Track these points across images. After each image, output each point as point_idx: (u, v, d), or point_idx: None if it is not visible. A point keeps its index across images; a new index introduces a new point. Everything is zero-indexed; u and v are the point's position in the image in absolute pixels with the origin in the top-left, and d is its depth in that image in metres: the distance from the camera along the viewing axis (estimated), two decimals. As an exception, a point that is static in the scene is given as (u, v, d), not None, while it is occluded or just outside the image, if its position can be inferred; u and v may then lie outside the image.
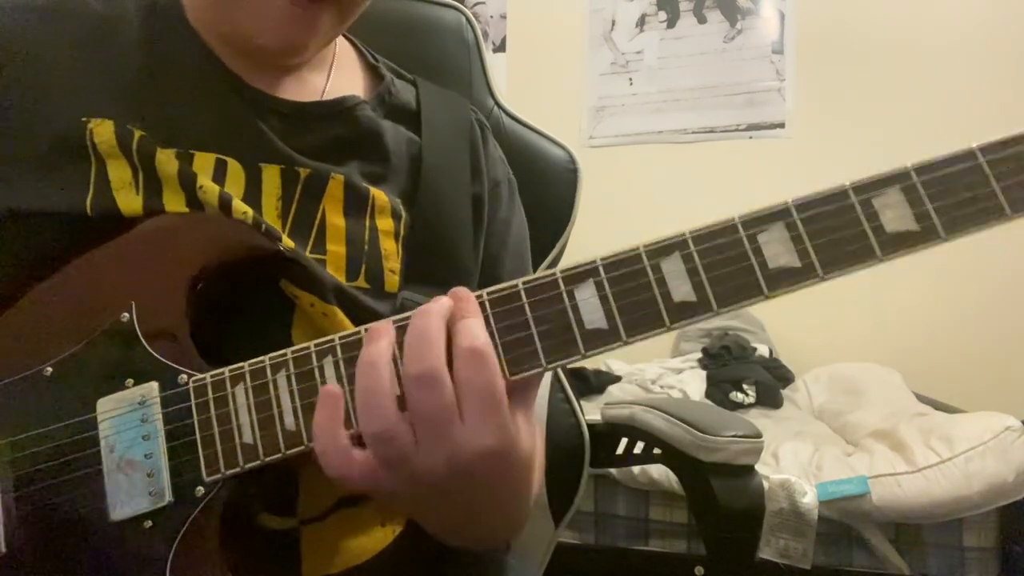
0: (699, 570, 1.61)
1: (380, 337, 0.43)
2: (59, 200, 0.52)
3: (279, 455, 0.46)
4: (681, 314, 0.42)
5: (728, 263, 0.42)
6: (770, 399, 2.14)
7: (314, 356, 0.46)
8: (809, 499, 1.50)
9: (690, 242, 0.43)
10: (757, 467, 0.83)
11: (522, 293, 0.44)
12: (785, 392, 2.22)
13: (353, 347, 0.46)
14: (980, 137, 0.41)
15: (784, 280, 0.41)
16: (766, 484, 1.49)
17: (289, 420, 0.46)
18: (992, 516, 1.54)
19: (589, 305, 0.43)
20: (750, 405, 2.11)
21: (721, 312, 0.42)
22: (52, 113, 0.54)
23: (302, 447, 0.45)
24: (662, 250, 0.43)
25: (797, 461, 1.65)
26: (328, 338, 0.46)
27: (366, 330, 0.45)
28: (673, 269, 0.42)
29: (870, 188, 0.41)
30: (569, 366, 0.45)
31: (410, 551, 0.59)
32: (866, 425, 1.86)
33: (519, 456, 0.45)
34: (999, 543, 1.55)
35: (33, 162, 0.53)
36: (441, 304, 0.43)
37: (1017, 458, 1.50)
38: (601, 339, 0.43)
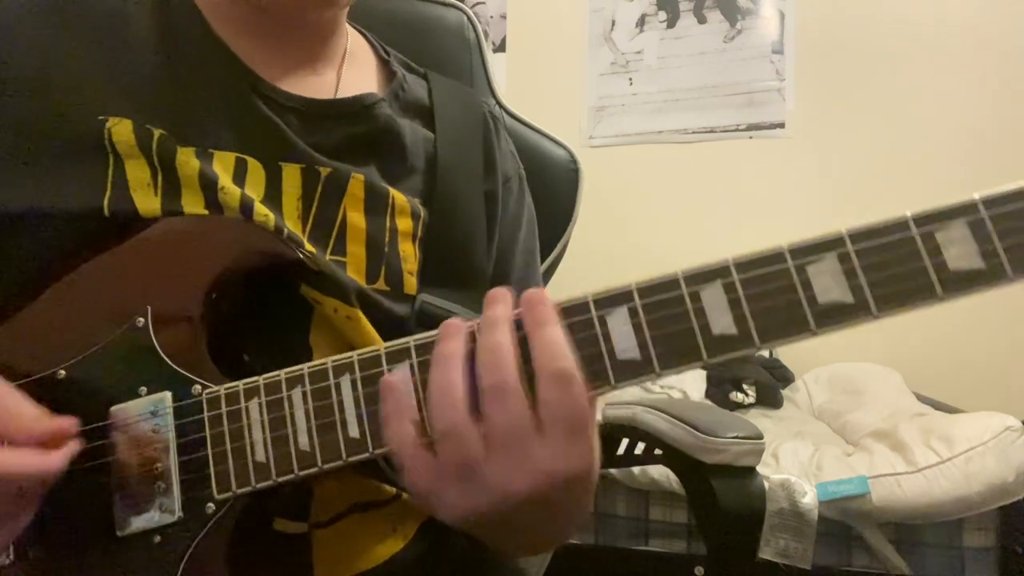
0: (699, 570, 1.60)
1: (454, 334, 0.42)
2: (76, 199, 0.51)
3: (292, 476, 0.44)
4: (720, 348, 0.39)
5: (774, 295, 0.39)
6: (770, 399, 2.13)
7: (331, 373, 0.44)
8: (809, 499, 1.50)
9: (733, 270, 0.39)
10: (756, 467, 0.83)
11: (591, 304, 0.41)
12: (785, 392, 2.22)
13: (371, 365, 0.44)
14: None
15: (834, 317, 0.38)
16: (766, 484, 1.49)
17: (303, 440, 0.44)
18: (992, 516, 1.54)
19: (621, 333, 0.40)
20: (750, 405, 2.10)
21: (763, 347, 0.39)
22: (68, 111, 0.53)
23: (315, 468, 0.44)
24: (702, 277, 0.40)
25: (797, 461, 1.65)
26: (346, 355, 0.45)
27: (386, 349, 0.44)
28: (713, 299, 0.39)
29: (933, 220, 0.38)
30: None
31: (421, 558, 0.58)
32: (866, 425, 1.85)
33: (595, 476, 0.43)
34: (999, 543, 1.55)
35: (50, 160, 0.52)
36: (507, 310, 0.41)
37: (1017, 458, 1.50)
38: (633, 370, 0.40)
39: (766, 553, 1.49)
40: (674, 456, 0.86)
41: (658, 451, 0.89)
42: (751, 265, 0.39)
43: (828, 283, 0.38)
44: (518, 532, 0.45)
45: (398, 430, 0.41)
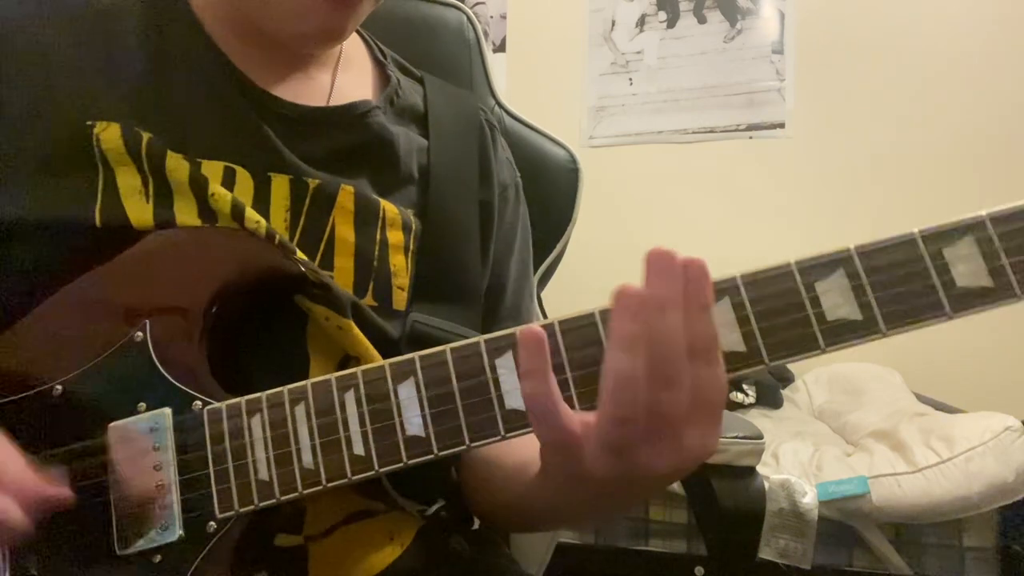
0: (699, 570, 1.60)
1: (633, 322, 0.38)
2: (66, 209, 0.50)
3: (296, 494, 0.44)
4: (729, 365, 0.39)
5: (782, 312, 0.39)
6: (770, 399, 2.13)
7: (335, 389, 0.44)
8: (809, 499, 1.50)
9: (741, 287, 0.39)
10: (757, 467, 0.83)
11: (598, 322, 0.41)
12: (785, 392, 2.22)
13: (376, 381, 0.43)
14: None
15: (843, 334, 0.38)
16: (766, 484, 1.49)
17: (307, 458, 0.44)
18: (992, 516, 1.54)
19: None
20: (750, 405, 2.11)
21: (772, 365, 0.39)
22: (56, 115, 0.51)
23: (320, 487, 0.43)
24: None
25: (797, 461, 1.65)
26: (350, 371, 0.44)
27: (391, 364, 0.43)
28: (722, 315, 0.39)
29: (941, 237, 0.38)
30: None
31: (419, 565, 0.58)
32: (866, 425, 1.86)
33: None
34: (999, 543, 1.55)
35: (37, 168, 0.51)
36: (675, 292, 0.38)
37: (1017, 458, 1.50)
38: None
39: (766, 553, 1.49)
40: (674, 456, 0.86)
41: (658, 451, 0.89)
42: (759, 282, 0.39)
43: (837, 300, 0.38)
44: (614, 502, 0.45)
45: (545, 407, 0.39)
